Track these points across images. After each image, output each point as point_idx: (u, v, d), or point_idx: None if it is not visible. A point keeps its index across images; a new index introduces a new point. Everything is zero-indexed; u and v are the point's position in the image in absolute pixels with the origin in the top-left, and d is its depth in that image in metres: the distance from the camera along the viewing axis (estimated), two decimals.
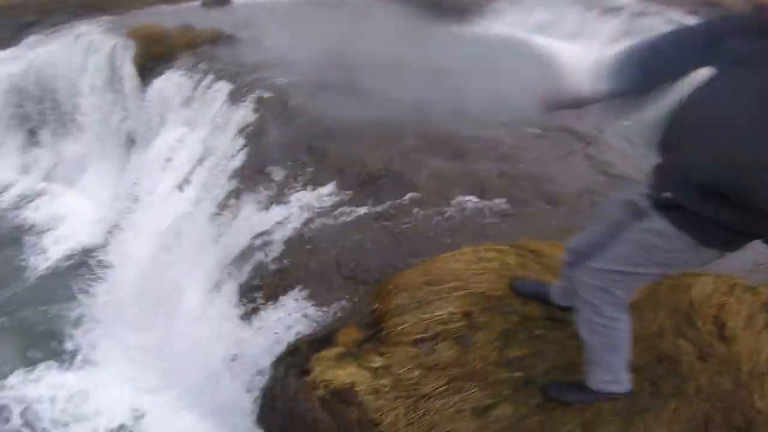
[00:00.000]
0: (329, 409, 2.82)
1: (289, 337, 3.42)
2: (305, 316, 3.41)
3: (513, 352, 2.46)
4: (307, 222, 3.82)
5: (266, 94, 5.42)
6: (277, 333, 3.54)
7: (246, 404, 3.86)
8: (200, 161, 5.07)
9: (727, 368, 2.36)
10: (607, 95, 1.68)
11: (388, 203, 3.73)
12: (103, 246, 6.03)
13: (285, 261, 3.70)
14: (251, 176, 4.49)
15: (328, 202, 3.89)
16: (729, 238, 1.63)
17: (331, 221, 3.77)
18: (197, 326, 4.41)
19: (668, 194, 1.67)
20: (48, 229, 6.70)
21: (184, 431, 4.55)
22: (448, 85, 5.31)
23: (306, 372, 3.00)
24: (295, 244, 3.74)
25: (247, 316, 3.81)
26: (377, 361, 2.75)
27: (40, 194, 7.17)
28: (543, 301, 2.61)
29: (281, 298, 3.57)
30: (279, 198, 4.10)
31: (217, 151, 5.02)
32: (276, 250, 3.79)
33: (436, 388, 2.47)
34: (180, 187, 5.02)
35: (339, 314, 3.27)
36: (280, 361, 3.41)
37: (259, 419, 3.71)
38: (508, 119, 4.69)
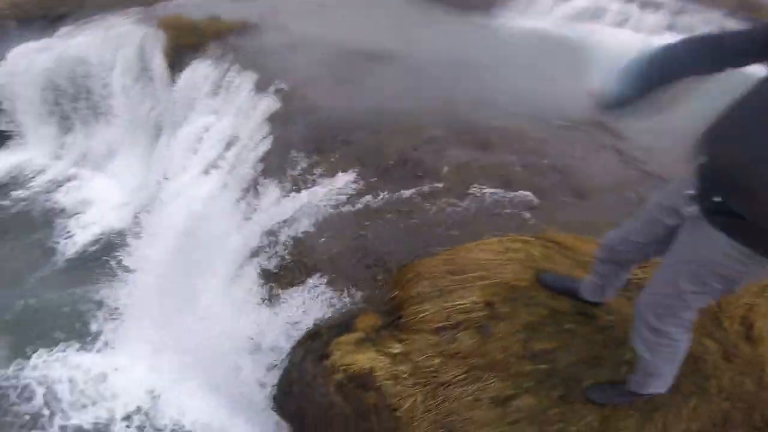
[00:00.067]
0: (345, 394, 2.84)
1: (308, 323, 3.45)
2: (325, 301, 3.43)
3: (539, 344, 2.41)
4: (328, 209, 3.83)
5: (290, 84, 5.46)
6: (296, 318, 3.58)
7: (263, 389, 3.93)
8: (226, 149, 5.15)
9: (752, 369, 2.33)
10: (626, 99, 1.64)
11: (409, 192, 3.71)
12: (130, 230, 6.19)
13: (306, 247, 3.73)
14: (275, 164, 4.54)
15: (349, 189, 3.89)
16: None
17: (352, 209, 3.77)
18: (218, 310, 4.49)
19: (718, 198, 1.52)
20: (77, 213, 6.92)
21: (200, 415, 4.72)
22: (474, 78, 5.23)
23: (325, 356, 3.02)
24: (316, 230, 3.76)
25: (268, 300, 3.87)
26: (396, 348, 2.75)
27: (70, 179, 7.40)
28: (571, 296, 2.55)
29: (301, 283, 3.60)
30: (301, 185, 4.12)
31: (242, 139, 5.08)
32: (297, 236, 3.82)
33: (456, 377, 2.46)
34: (205, 174, 5.11)
35: (358, 300, 3.27)
36: (298, 346, 3.44)
37: (275, 404, 3.77)
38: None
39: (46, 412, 4.76)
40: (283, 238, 3.90)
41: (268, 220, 4.10)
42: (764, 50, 1.44)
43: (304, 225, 3.82)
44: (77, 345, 5.33)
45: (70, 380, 5.02)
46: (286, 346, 3.57)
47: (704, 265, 1.62)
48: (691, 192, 1.63)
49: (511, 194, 3.54)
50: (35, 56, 7.12)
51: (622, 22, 8.76)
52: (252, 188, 4.50)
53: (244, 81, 5.72)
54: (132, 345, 5.32)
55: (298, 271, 3.72)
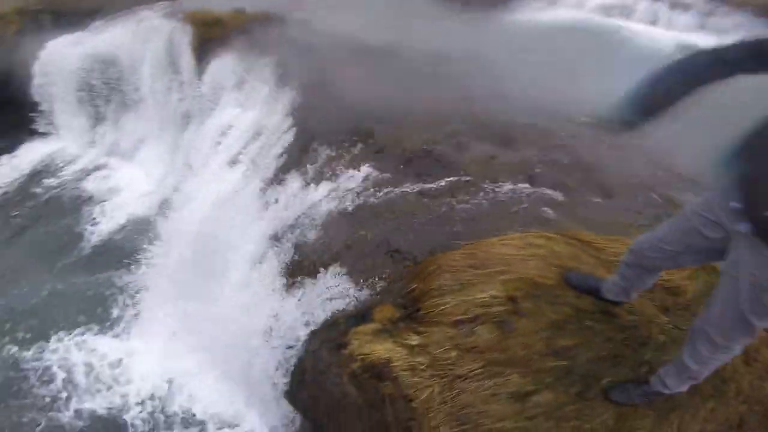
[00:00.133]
0: (358, 384, 2.85)
1: (326, 312, 3.46)
2: (343, 291, 3.44)
3: (561, 341, 2.38)
4: (349, 200, 3.85)
5: (313, 77, 5.52)
6: (314, 307, 3.60)
7: (276, 378, 3.97)
8: (250, 140, 5.23)
9: None
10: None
11: (430, 185, 3.69)
12: (154, 218, 6.34)
13: (327, 237, 3.75)
14: (298, 154, 4.58)
15: (371, 181, 3.90)
16: None
17: (373, 200, 3.77)
18: (239, 298, 4.56)
19: None
20: (105, 200, 7.14)
21: (212, 403, 4.78)
22: (497, 73, 5.17)
23: (342, 346, 3.03)
24: (337, 221, 3.78)
25: (287, 289, 3.91)
26: (414, 339, 2.73)
27: (99, 168, 7.64)
28: (594, 295, 2.50)
29: (321, 273, 3.62)
30: (324, 176, 4.15)
31: (267, 130, 5.15)
32: (319, 226, 3.85)
33: (473, 370, 2.43)
34: (230, 164, 5.21)
35: (376, 292, 3.27)
36: (315, 335, 3.47)
37: (288, 393, 3.81)
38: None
39: (63, 395, 4.90)
40: (303, 228, 3.94)
41: (290, 210, 4.15)
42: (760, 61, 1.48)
43: (325, 216, 3.85)
44: (97, 329, 5.49)
45: (88, 364, 5.16)
46: (303, 334, 3.61)
47: (765, 289, 1.56)
48: (737, 206, 1.55)
49: (534, 190, 3.49)
50: (69, 50, 7.38)
51: (652, 21, 8.58)
52: (274, 179, 4.56)
53: (268, 74, 5.80)
54: (149, 331, 5.45)
55: (318, 261, 3.75)
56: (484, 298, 2.65)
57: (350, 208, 3.83)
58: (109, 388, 4.96)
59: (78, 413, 4.74)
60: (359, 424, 2.91)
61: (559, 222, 3.22)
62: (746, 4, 8.59)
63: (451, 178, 3.72)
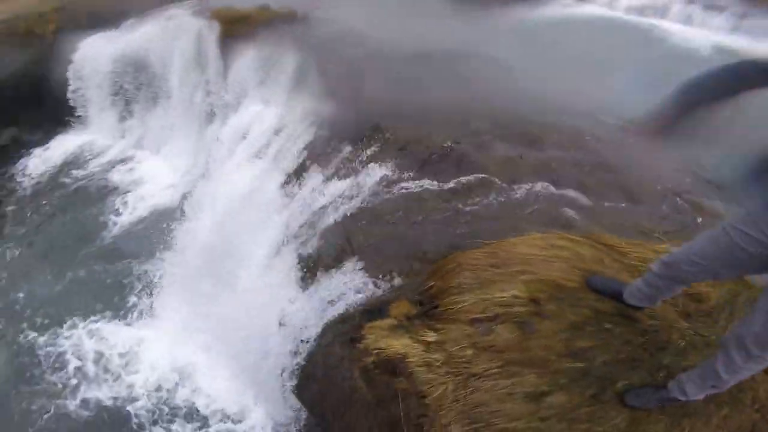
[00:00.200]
0: (369, 380, 2.85)
1: (341, 306, 3.48)
2: (359, 286, 3.46)
3: (579, 343, 2.34)
4: (369, 196, 3.87)
5: (336, 75, 5.58)
6: (329, 301, 3.63)
7: (286, 372, 3.98)
8: (273, 136, 5.32)
9: None
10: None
11: (451, 183, 3.69)
12: (177, 210, 6.49)
13: (345, 232, 3.77)
14: (318, 151, 4.64)
15: (391, 179, 3.92)
16: None
17: (392, 198, 3.78)
18: (255, 290, 4.62)
19: None
20: (130, 192, 7.35)
21: (220, 396, 4.81)
22: (523, 71, 5.12)
23: (356, 340, 3.04)
24: (357, 216, 3.80)
25: (303, 282, 3.95)
26: (431, 336, 2.72)
27: (126, 160, 7.88)
28: (614, 298, 2.47)
29: (338, 267, 3.65)
30: (344, 172, 4.20)
31: (289, 126, 5.22)
32: (338, 221, 3.88)
33: (488, 369, 2.41)
34: (252, 159, 5.30)
35: (393, 287, 3.28)
36: (329, 328, 3.49)
37: (296, 388, 3.82)
38: None
39: (72, 383, 5.02)
40: (323, 223, 3.98)
41: (310, 205, 4.20)
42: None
43: (345, 211, 3.88)
44: (112, 317, 5.64)
45: (99, 352, 5.29)
46: (317, 328, 3.62)
47: None
48: None
49: (559, 192, 3.45)
50: (102, 47, 7.68)
51: (686, 21, 8.38)
52: (295, 175, 4.62)
53: (291, 71, 5.88)
54: (163, 320, 5.57)
55: (335, 255, 3.78)
56: (505, 297, 2.62)
57: (369, 205, 3.85)
58: (117, 378, 5.07)
59: (84, 402, 4.86)
60: (366, 421, 2.92)
61: (583, 225, 3.17)
62: None
63: (472, 178, 3.70)
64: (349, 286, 3.52)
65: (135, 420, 4.70)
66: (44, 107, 7.80)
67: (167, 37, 7.43)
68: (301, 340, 3.84)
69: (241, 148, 5.59)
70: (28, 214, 7.12)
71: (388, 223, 3.64)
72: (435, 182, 3.75)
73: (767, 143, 1.69)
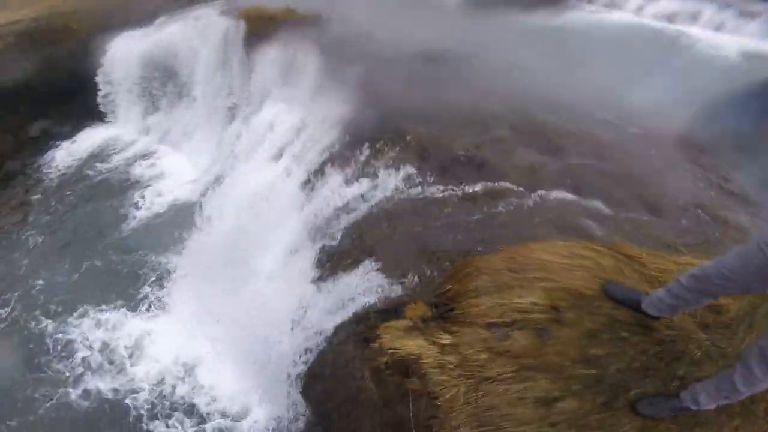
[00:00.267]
0: (379, 380, 2.91)
1: (356, 306, 3.55)
2: (375, 287, 3.52)
3: (594, 350, 2.37)
4: (388, 198, 3.95)
5: (358, 77, 5.66)
6: (344, 301, 3.70)
7: (294, 370, 4.04)
8: (294, 135, 5.44)
9: None
10: None
11: (471, 189, 3.74)
12: (196, 205, 6.65)
13: (363, 233, 3.86)
14: (340, 152, 4.74)
15: (410, 181, 3.99)
16: None
17: (411, 200, 3.86)
18: (269, 287, 4.72)
19: None
20: (151, 185, 7.58)
21: (222, 392, 4.87)
22: (548, 77, 5.14)
23: (370, 339, 3.10)
24: (375, 218, 3.88)
25: (319, 281, 4.03)
26: (446, 338, 2.77)
27: (150, 155, 8.15)
28: (632, 307, 2.49)
29: (354, 267, 3.73)
30: (364, 173, 4.29)
31: (311, 126, 5.34)
32: (356, 222, 3.97)
33: (502, 374, 2.45)
34: (274, 158, 5.43)
35: (409, 289, 3.34)
36: (342, 327, 3.56)
37: (303, 385, 3.89)
38: None
39: (77, 372, 5.15)
40: (341, 223, 4.07)
41: (329, 205, 4.29)
42: None
43: (363, 212, 3.97)
44: (123, 307, 5.78)
45: (106, 342, 5.43)
46: (329, 326, 3.69)
47: None
48: None
49: (580, 201, 3.48)
50: (133, 44, 7.99)
51: (717, 27, 8.22)
52: (315, 174, 4.72)
53: (315, 72, 6.01)
54: (174, 313, 5.69)
55: (352, 255, 3.86)
56: (523, 303, 2.66)
57: (388, 207, 3.92)
58: (121, 369, 5.18)
59: (86, 393, 4.98)
60: (371, 421, 2.98)
61: (603, 235, 3.19)
62: None
63: (492, 184, 3.75)
64: (365, 286, 3.59)
65: (134, 413, 4.80)
66: (74, 101, 8.15)
67: (194, 37, 7.68)
68: (313, 339, 3.92)
69: (262, 147, 5.73)
70: (53, 204, 7.40)
71: (406, 226, 3.71)
72: (454, 187, 3.80)
73: None
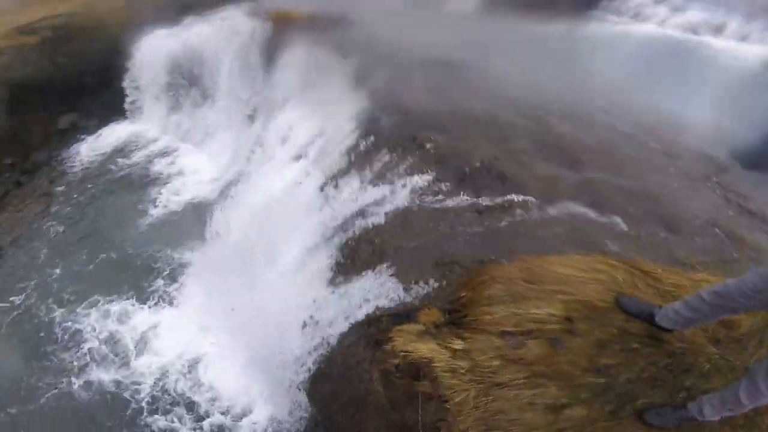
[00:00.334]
0: (387, 382, 3.02)
1: (369, 309, 3.66)
2: (389, 291, 3.63)
3: (604, 360, 2.46)
4: (405, 205, 4.07)
5: (379, 83, 5.82)
6: (357, 303, 3.81)
7: (300, 369, 4.14)
8: (314, 138, 5.61)
9: None
10: None
11: (488, 199, 3.84)
12: (214, 203, 6.87)
13: (379, 238, 3.98)
14: (358, 157, 4.88)
15: (428, 189, 4.11)
16: None
17: (428, 207, 3.97)
18: (283, 287, 4.84)
19: None
20: (171, 182, 7.86)
21: (226, 389, 4.97)
22: (568, 89, 5.21)
23: (382, 342, 3.21)
24: (391, 223, 4.01)
25: (334, 282, 4.16)
26: (458, 344, 2.88)
27: (172, 152, 8.46)
28: (645, 320, 2.58)
29: (369, 271, 3.85)
30: (382, 179, 4.41)
31: (331, 130, 5.51)
32: (372, 226, 4.09)
33: (513, 380, 2.55)
34: (293, 160, 5.61)
35: (422, 295, 3.44)
36: (353, 329, 3.68)
37: (307, 385, 3.99)
38: None
39: (82, 362, 5.31)
40: (358, 227, 4.20)
41: (346, 208, 4.43)
42: None
43: (380, 217, 4.09)
44: (135, 299, 5.98)
45: (113, 333, 5.60)
46: (341, 328, 3.80)
47: None
48: None
49: (598, 216, 3.56)
50: (162, 43, 8.32)
51: (743, 38, 8.17)
52: (334, 178, 4.87)
53: (337, 76, 6.18)
54: (184, 307, 5.85)
55: (367, 259, 3.98)
56: (540, 314, 2.75)
57: (405, 213, 4.04)
58: (125, 362, 5.33)
59: (89, 384, 5.13)
60: (377, 423, 3.07)
61: (619, 250, 3.26)
62: None
63: (511, 195, 3.84)
64: (378, 290, 3.70)
65: (134, 406, 4.92)
66: (102, 96, 8.53)
67: (221, 37, 7.97)
68: (323, 339, 4.03)
69: (282, 149, 5.92)
70: (75, 196, 7.71)
71: (423, 232, 3.82)
72: (472, 197, 3.91)
73: None
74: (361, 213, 4.25)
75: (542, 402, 2.36)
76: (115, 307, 5.87)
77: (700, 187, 4.02)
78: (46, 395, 5.01)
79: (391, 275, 3.72)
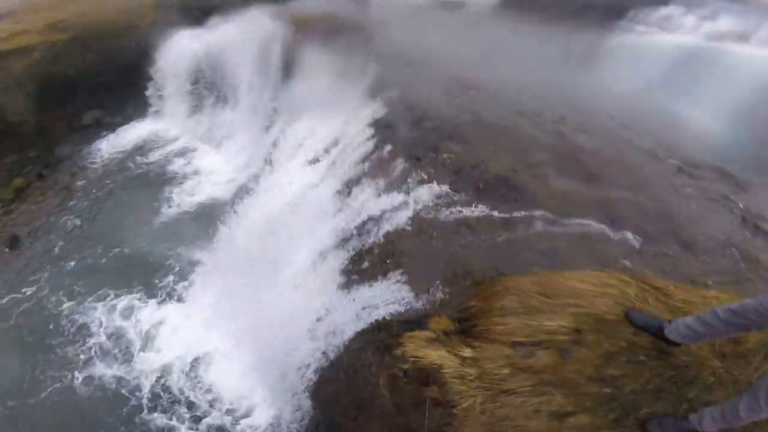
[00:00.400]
0: (393, 387, 3.15)
1: (379, 315, 3.79)
2: (400, 298, 3.76)
3: (611, 370, 2.57)
4: (420, 213, 4.20)
5: (398, 92, 5.99)
6: (368, 308, 3.93)
7: (305, 371, 4.25)
8: (332, 144, 5.80)
9: None
10: None
11: (503, 211, 3.96)
12: (229, 203, 7.09)
13: (393, 245, 4.12)
14: (375, 164, 5.04)
15: (444, 198, 4.23)
16: None
17: (443, 217, 4.10)
18: (294, 289, 4.97)
19: None
20: (188, 181, 8.14)
21: (229, 388, 5.07)
22: (587, 101, 5.30)
23: (392, 347, 3.34)
24: (405, 231, 4.14)
25: (345, 287, 4.30)
26: (467, 352, 3.01)
27: (191, 151, 8.77)
28: (654, 334, 2.69)
29: (381, 277, 3.98)
30: (397, 187, 4.56)
31: (349, 136, 5.69)
32: (387, 233, 4.23)
33: (520, 387, 2.67)
34: (310, 164, 5.79)
35: (433, 303, 3.57)
36: (362, 334, 3.80)
37: (312, 387, 4.11)
38: None
39: (86, 357, 5.44)
40: (372, 233, 4.34)
41: (361, 214, 4.58)
42: None
43: (395, 225, 4.23)
44: (144, 295, 6.18)
45: (119, 328, 5.76)
46: (350, 332, 3.92)
47: None
48: None
49: (613, 233, 3.66)
50: (187, 43, 8.68)
51: None
52: (350, 183, 5.04)
53: (357, 82, 6.38)
54: (193, 305, 6.00)
55: (380, 265, 4.12)
56: (551, 326, 2.88)
57: (419, 222, 4.17)
58: (129, 358, 5.48)
59: (91, 379, 5.27)
60: (379, 426, 3.18)
61: (633, 267, 3.35)
62: None
63: (526, 208, 3.96)
64: (390, 297, 3.83)
65: (135, 403, 5.05)
66: (127, 94, 8.91)
67: (244, 39, 8.25)
68: (331, 343, 4.15)
69: (299, 153, 6.12)
70: (94, 191, 8.02)
71: (435, 242, 3.95)
72: (487, 208, 4.03)
73: None
74: (376, 219, 4.39)
75: (548, 409, 2.48)
76: (124, 303, 6.07)
77: (718, 206, 4.09)
78: (49, 389, 5.17)
79: (402, 282, 3.84)
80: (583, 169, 4.36)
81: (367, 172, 5.01)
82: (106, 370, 5.32)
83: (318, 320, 4.42)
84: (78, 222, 7.45)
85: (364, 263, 4.23)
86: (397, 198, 4.46)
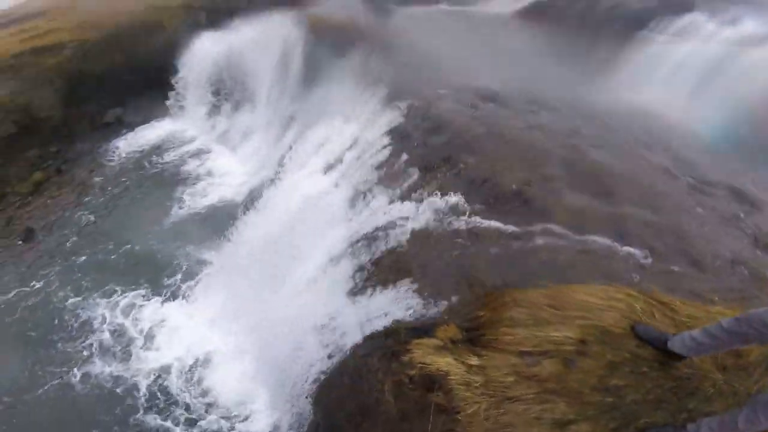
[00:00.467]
0: (398, 393, 3.30)
1: (387, 321, 3.93)
2: (409, 306, 3.90)
3: (614, 381, 2.70)
4: (432, 223, 4.34)
5: (414, 102, 6.17)
6: (376, 315, 4.08)
7: (309, 375, 4.37)
8: (347, 150, 5.99)
9: None
10: None
11: (515, 224, 4.09)
12: (242, 205, 7.33)
13: (403, 253, 4.27)
14: (389, 172, 5.21)
15: (456, 209, 4.38)
16: None
17: (455, 228, 4.24)
18: (302, 293, 5.12)
19: None
20: (202, 182, 8.42)
21: (228, 390, 5.17)
22: (605, 114, 5.38)
23: (398, 353, 3.48)
24: (417, 240, 4.29)
25: (354, 293, 4.45)
26: (473, 360, 3.15)
27: (207, 152, 9.08)
28: (659, 347, 2.81)
29: (391, 285, 4.13)
30: (411, 196, 4.72)
31: (364, 143, 5.88)
32: (398, 241, 4.39)
33: (525, 394, 2.80)
34: (325, 169, 5.99)
35: (441, 311, 3.70)
36: (370, 339, 3.94)
37: (315, 392, 4.23)
38: None
39: (86, 353, 5.59)
40: (383, 241, 4.51)
41: (373, 222, 4.74)
42: None
43: (406, 233, 4.38)
44: (150, 293, 6.38)
45: (121, 326, 5.93)
46: (357, 338, 4.07)
47: None
48: None
49: (624, 248, 3.77)
50: (210, 45, 9.04)
51: None
52: (364, 190, 5.21)
53: (375, 90, 6.59)
54: (198, 304, 6.18)
55: (390, 273, 4.26)
56: (558, 336, 3.02)
57: (431, 231, 4.32)
58: (129, 356, 5.62)
59: (90, 377, 5.40)
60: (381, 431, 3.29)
61: (641, 282, 3.46)
62: None
63: (538, 222, 4.08)
64: (398, 304, 3.97)
65: (131, 402, 5.17)
66: (149, 94, 9.29)
67: (264, 43, 8.57)
68: (337, 348, 4.29)
69: (314, 158, 6.33)
70: (110, 188, 8.35)
71: (446, 252, 4.09)
72: (500, 221, 4.16)
73: None
74: (388, 227, 4.55)
75: (550, 417, 2.61)
76: (128, 300, 6.28)
77: (729, 225, 4.18)
78: (47, 386, 5.30)
79: (412, 290, 3.98)
80: (596, 184, 4.48)
81: (381, 180, 5.18)
82: (106, 368, 5.46)
83: (324, 324, 4.56)
84: (92, 218, 7.77)
85: (374, 270, 4.38)
86: (410, 206, 4.62)
